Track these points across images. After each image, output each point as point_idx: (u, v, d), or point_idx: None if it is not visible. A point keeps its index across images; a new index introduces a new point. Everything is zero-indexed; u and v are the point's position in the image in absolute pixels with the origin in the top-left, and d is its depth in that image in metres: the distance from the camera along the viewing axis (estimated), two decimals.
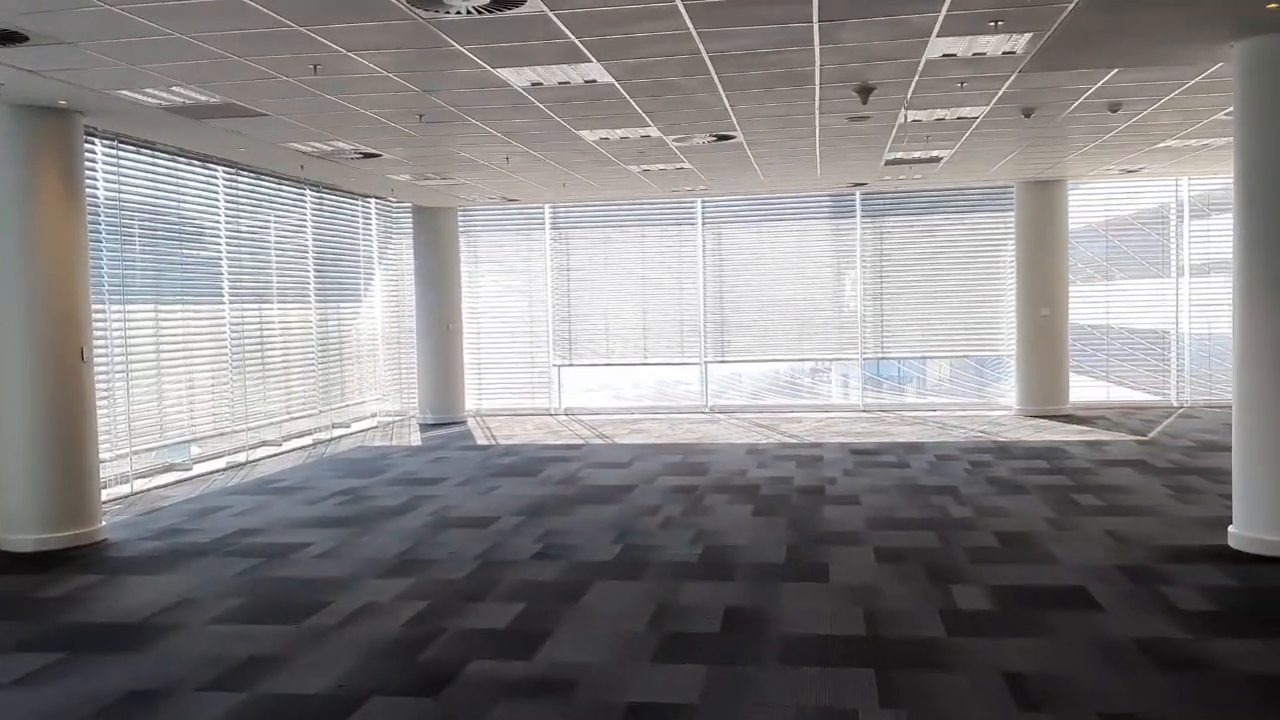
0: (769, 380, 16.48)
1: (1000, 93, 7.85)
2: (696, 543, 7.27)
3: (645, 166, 11.13)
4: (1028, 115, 8.61)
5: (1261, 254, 6.45)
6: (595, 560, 6.88)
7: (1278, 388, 6.38)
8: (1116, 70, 7.25)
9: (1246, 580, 6.02)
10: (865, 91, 7.54)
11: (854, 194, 14.91)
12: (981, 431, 12.69)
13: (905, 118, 8.10)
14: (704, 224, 15.33)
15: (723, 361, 15.54)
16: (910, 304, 15.12)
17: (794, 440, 12.36)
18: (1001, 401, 14.97)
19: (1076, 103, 8.31)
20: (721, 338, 15.43)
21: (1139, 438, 11.81)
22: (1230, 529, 6.74)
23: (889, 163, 11.45)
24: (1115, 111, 8.57)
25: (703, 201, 15.19)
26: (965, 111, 8.52)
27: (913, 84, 7.48)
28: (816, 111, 8.40)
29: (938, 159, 11.31)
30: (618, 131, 8.96)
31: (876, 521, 7.82)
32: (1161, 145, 10.71)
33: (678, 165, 11.15)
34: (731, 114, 8.37)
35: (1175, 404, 14.53)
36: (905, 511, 8.17)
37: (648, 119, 8.43)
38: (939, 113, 8.54)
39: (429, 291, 15.05)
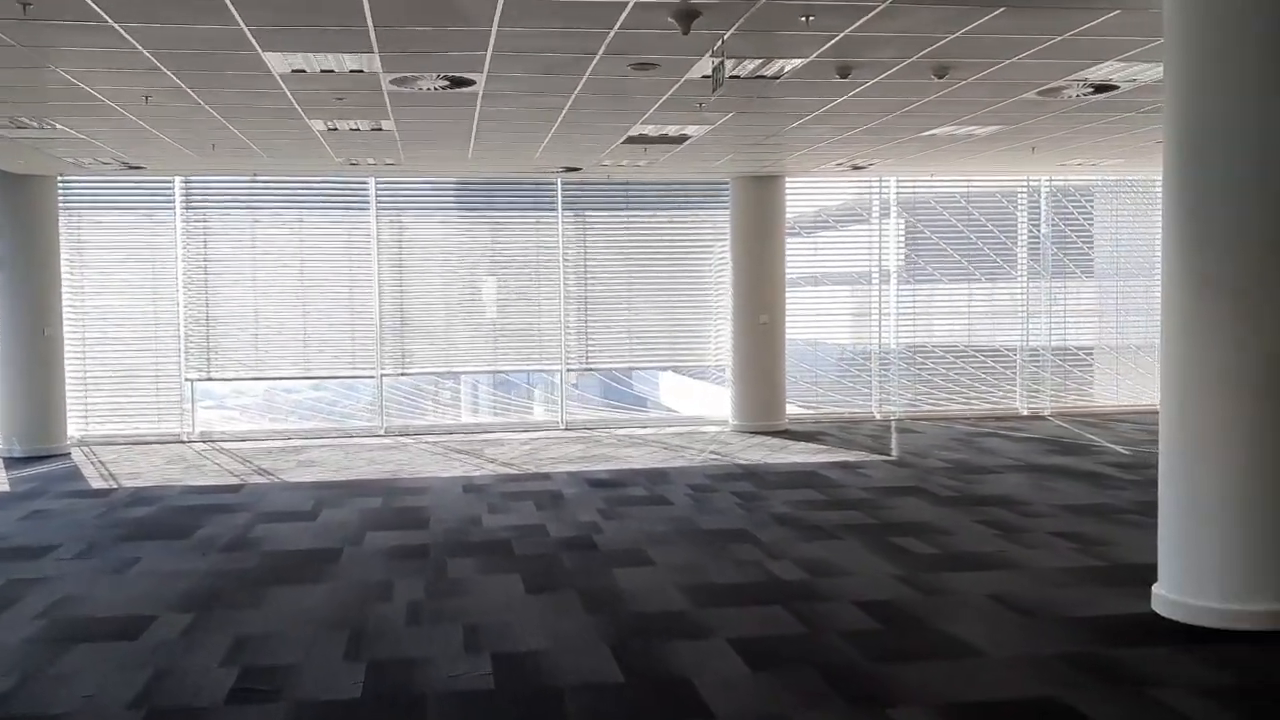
0: (452, 394, 14.19)
1: (834, 41, 6.18)
2: (475, 650, 4.99)
3: (335, 123, 8.60)
4: (844, 76, 7.02)
5: (1198, 253, 5.11)
6: (333, 698, 4.45)
7: (1221, 417, 5.06)
8: (983, 19, 5.76)
9: (1239, 668, 4.62)
10: (687, 18, 5.59)
11: (555, 182, 12.98)
12: (714, 453, 11.16)
13: (719, 65, 6.25)
14: (379, 210, 12.82)
15: (403, 374, 13.08)
16: (618, 309, 13.40)
17: (513, 470, 10.22)
18: (712, 415, 13.58)
19: (903, 63, 6.81)
20: (401, 346, 12.97)
21: (884, 457, 10.71)
22: (1157, 591, 5.38)
23: (630, 140, 9.59)
24: (941, 78, 7.16)
25: (377, 182, 12.68)
26: (784, 64, 6.79)
27: (746, 15, 5.64)
28: (601, 51, 6.36)
29: (683, 139, 9.59)
30: (325, 59, 6.46)
31: (696, 594, 5.88)
32: (930, 133, 9.58)
33: (376, 125, 8.71)
34: (490, 44, 6.16)
35: (878, 415, 13.77)
36: (719, 574, 6.30)
37: (373, 39, 6.02)
38: (752, 64, 6.75)
39: (15, 285, 11.50)
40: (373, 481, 9.71)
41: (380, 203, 12.80)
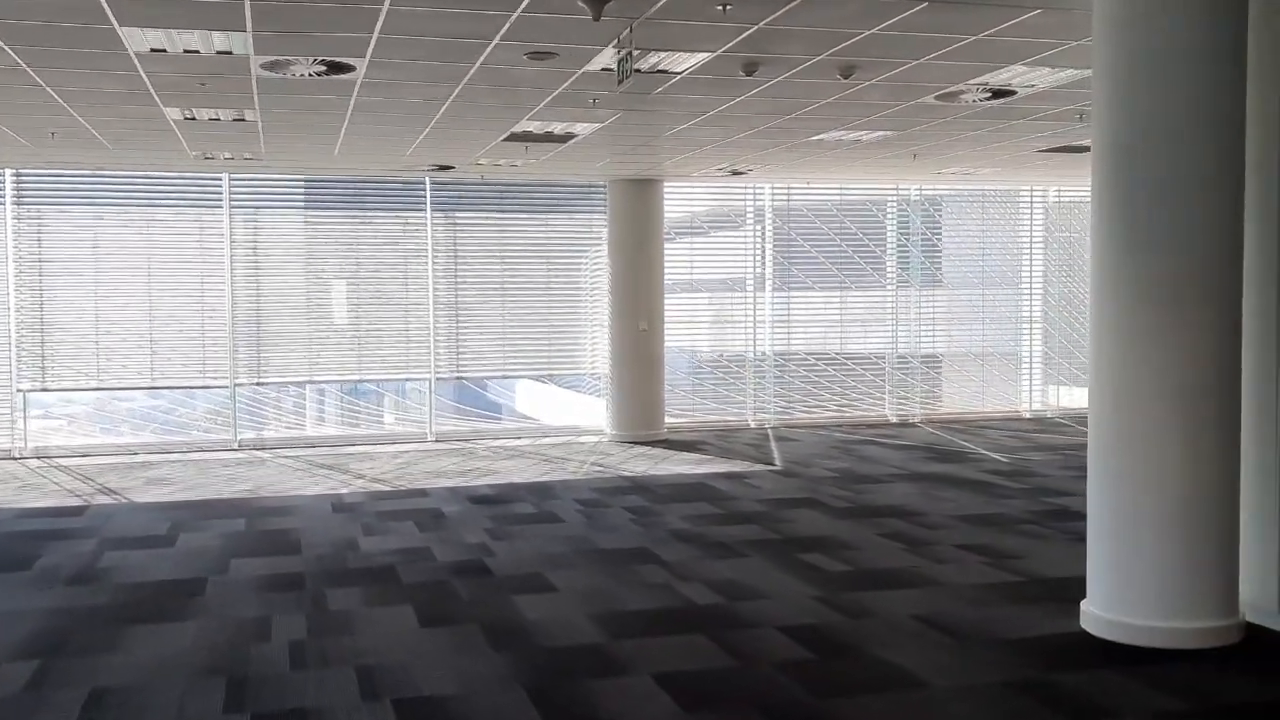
0: (315, 405, 13.42)
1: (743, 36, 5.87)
2: (374, 697, 4.46)
3: (192, 111, 7.88)
4: (750, 73, 6.72)
5: (1129, 258, 4.95)
6: None
7: (1156, 423, 4.91)
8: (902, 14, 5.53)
9: (1188, 690, 4.44)
10: (600, 1, 5.18)
11: (424, 182, 12.39)
12: (596, 465, 10.76)
13: (626, 56, 5.86)
14: (232, 208, 11.99)
15: (260, 384, 12.26)
16: (490, 315, 12.86)
17: (385, 487, 9.60)
18: (587, 425, 13.18)
19: (811, 60, 6.54)
20: (258, 354, 12.16)
21: (769, 467, 10.50)
22: (1087, 608, 5.20)
23: (512, 137, 9.11)
24: (846, 78, 6.93)
25: (231, 178, 11.86)
26: (689, 59, 6.43)
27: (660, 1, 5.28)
28: (497, 37, 5.89)
29: (568, 138, 9.17)
30: (190, 37, 5.81)
31: (609, 623, 5.47)
32: (819, 138, 9.39)
33: (239, 115, 8.03)
34: (377, 25, 5.63)
35: (752, 424, 13.59)
36: (629, 599, 5.90)
37: (248, 15, 5.42)
38: (656, 57, 6.38)
39: None
40: (232, 501, 8.97)
41: (235, 201, 11.98)
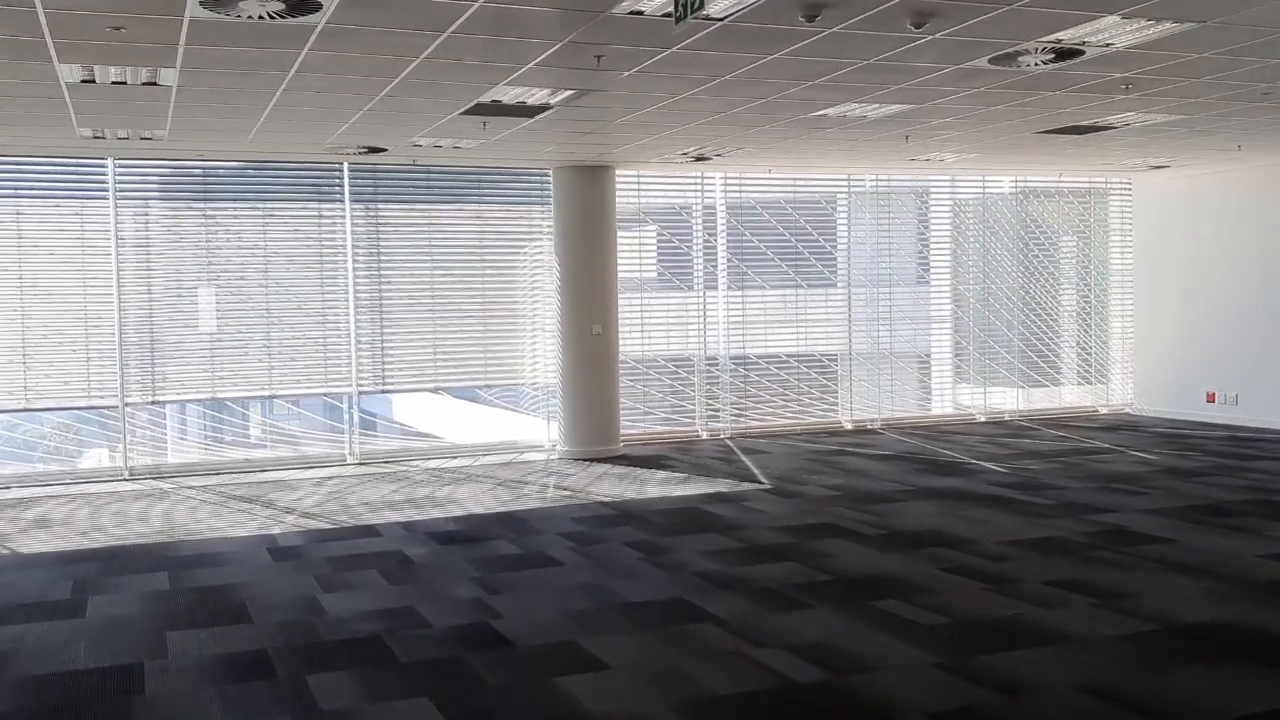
0: (212, 423, 11.72)
1: None
2: None
3: (93, 70, 6.31)
4: (811, 19, 5.53)
5: None
6: None
7: None
8: None
9: None
10: None
11: (341, 167, 10.87)
12: (560, 488, 9.45)
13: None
14: (119, 199, 10.28)
15: (155, 402, 10.56)
16: (419, 320, 11.41)
17: (323, 523, 8.11)
18: (529, 440, 11.83)
19: (882, 5, 5.40)
20: (151, 369, 10.46)
21: (756, 485, 9.35)
22: None
23: (477, 108, 7.74)
24: (918, 28, 5.80)
25: (117, 163, 10.16)
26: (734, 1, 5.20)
27: None
28: None
29: (542, 109, 7.85)
30: None
31: (695, 713, 4.20)
32: (821, 113, 8.27)
33: (152, 75, 6.49)
34: None
35: (704, 434, 12.45)
36: (706, 677, 4.64)
37: None
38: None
39: None
40: (142, 547, 7.37)
41: (122, 190, 10.27)
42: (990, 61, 6.71)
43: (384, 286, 11.21)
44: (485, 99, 7.43)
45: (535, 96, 7.40)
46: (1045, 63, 6.73)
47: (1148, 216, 13.81)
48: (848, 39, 6.01)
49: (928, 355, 13.85)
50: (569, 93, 7.32)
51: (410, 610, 5.72)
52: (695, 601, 5.75)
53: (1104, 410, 14.18)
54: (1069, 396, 14.42)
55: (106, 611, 5.80)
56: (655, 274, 12.45)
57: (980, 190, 13.67)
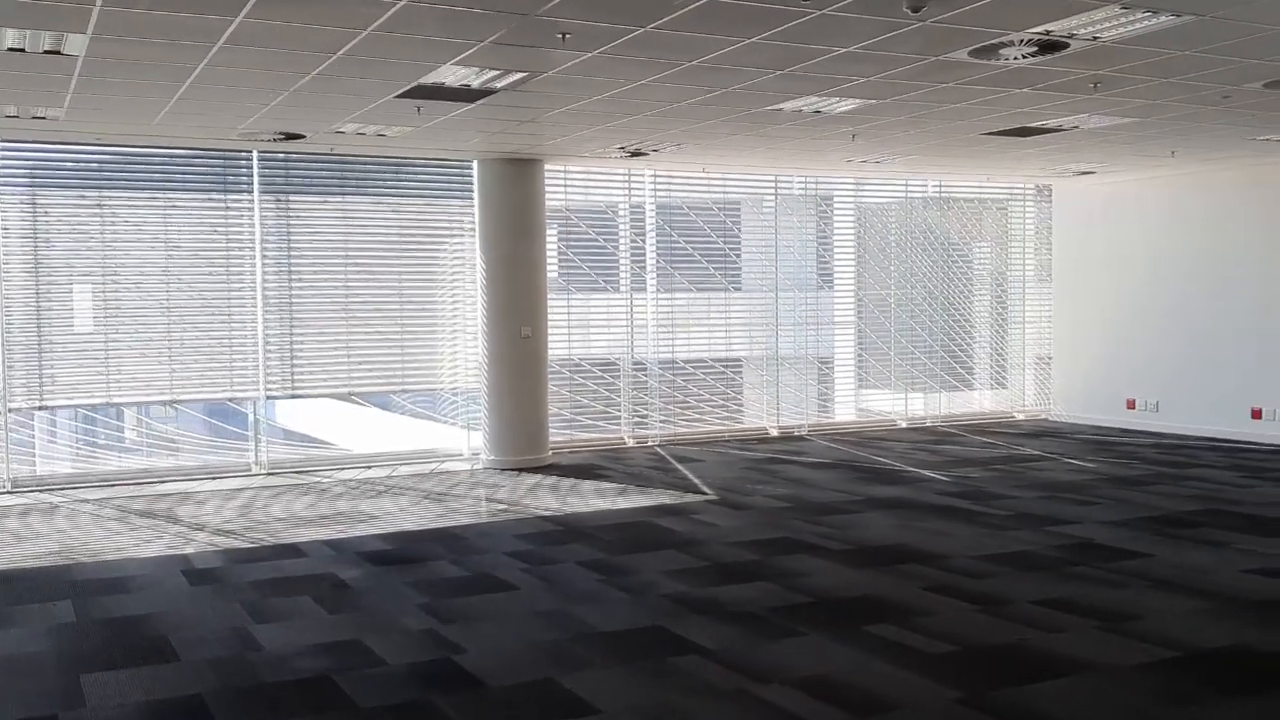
0: (106, 430, 10.81)
1: None
2: None
3: None
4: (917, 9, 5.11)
5: None
6: None
7: None
8: None
9: None
10: None
11: (251, 155, 10.11)
12: (493, 500, 8.89)
13: None
14: (0, 187, 9.37)
15: (42, 408, 9.66)
16: (333, 320, 10.70)
17: (240, 542, 7.40)
18: (447, 449, 11.22)
19: None
20: (39, 370, 9.56)
21: (702, 496, 8.92)
22: None
23: (418, 90, 7.14)
24: (916, 11, 5.42)
25: (1, 145, 9.25)
26: None
27: None
28: None
29: (485, 94, 7.29)
30: None
31: None
32: (777, 107, 7.88)
33: (56, 44, 5.75)
34: None
35: (630, 440, 12.00)
36: (700, 714, 4.16)
37: None
38: None
39: None
40: (38, 571, 6.59)
41: (5, 176, 9.37)
42: (970, 54, 6.39)
43: (295, 284, 10.48)
44: (428, 80, 6.84)
45: (482, 79, 6.83)
46: (1026, 56, 6.43)
47: (1069, 222, 13.81)
48: (836, 23, 5.61)
49: (852, 360, 13.61)
50: (519, 75, 6.78)
51: (357, 644, 5.11)
52: (674, 629, 5.27)
53: (1021, 416, 14.14)
54: (987, 402, 14.35)
55: (8, 649, 5.06)
56: (582, 275, 11.93)
57: (903, 195, 13.49)
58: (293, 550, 7.13)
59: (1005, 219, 14.15)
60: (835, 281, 13.39)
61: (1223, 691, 4.36)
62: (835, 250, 13.32)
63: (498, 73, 6.69)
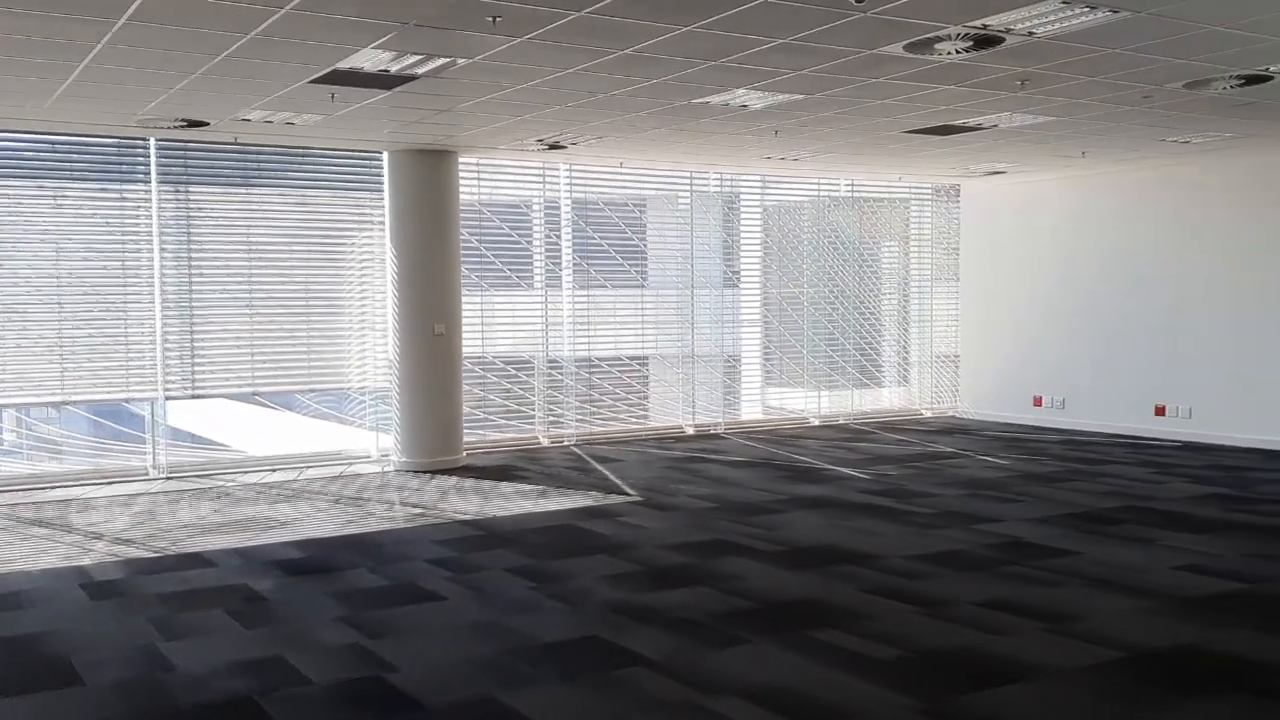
0: None
1: None
2: None
3: None
4: None
5: None
6: None
7: None
8: None
9: None
10: None
11: (148, 144, 9.61)
12: (411, 505, 8.56)
13: None
14: None
15: None
16: (236, 317, 10.24)
17: (142, 551, 6.96)
18: (354, 450, 10.84)
19: None
20: None
21: (625, 497, 8.74)
22: None
23: (334, 75, 6.80)
24: (860, 0, 5.29)
25: None
26: None
27: None
28: None
29: (401, 80, 6.98)
30: None
31: None
32: (704, 100, 7.72)
33: None
34: None
35: (544, 440, 11.77)
36: None
37: None
38: None
39: None
40: None
41: None
42: (906, 48, 6.30)
43: (195, 279, 9.99)
44: (346, 65, 6.51)
45: (402, 64, 6.53)
46: (960, 51, 6.37)
47: (977, 222, 13.95)
48: (777, 11, 5.46)
49: (759, 358, 13.54)
50: (442, 61, 6.49)
51: (279, 661, 4.79)
52: (615, 639, 5.06)
53: (928, 413, 14.26)
54: (895, 399, 14.43)
55: None
56: (495, 271, 11.63)
57: (816, 194, 13.47)
58: (200, 559, 6.73)
59: (908, 218, 14.23)
60: (745, 279, 13.29)
61: (1181, 694, 4.31)
62: (745, 248, 13.24)
63: (420, 58, 6.39)
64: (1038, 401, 13.25)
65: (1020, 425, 13.07)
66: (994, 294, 13.73)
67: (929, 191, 14.09)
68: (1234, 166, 11.10)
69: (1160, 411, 12.00)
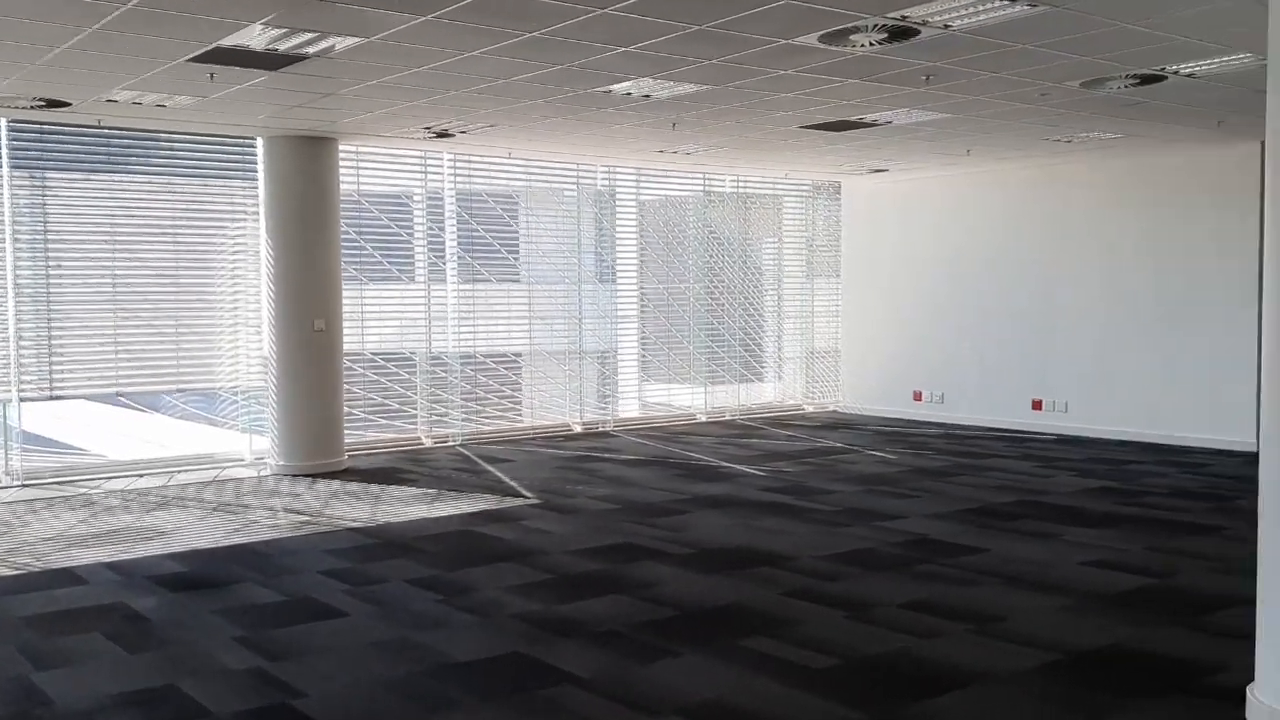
0: None
1: None
2: None
3: None
4: None
5: None
6: None
7: None
8: None
9: None
10: None
11: None
12: (294, 512, 8.10)
13: None
14: None
15: None
16: (98, 311, 9.57)
17: (2, 569, 6.37)
18: (226, 453, 10.27)
19: None
20: None
21: (523, 500, 8.44)
22: (1258, 698, 3.83)
23: (215, 53, 6.32)
24: None
25: None
26: None
27: None
28: None
29: (293, 59, 6.55)
30: None
31: None
32: (608, 89, 7.47)
33: None
34: None
35: (427, 441, 11.38)
36: None
37: None
38: None
39: None
40: None
41: None
42: (821, 39, 6.17)
43: (53, 271, 9.29)
44: (229, 42, 6.06)
45: (292, 43, 6.10)
46: (874, 43, 6.27)
47: (858, 219, 14.04)
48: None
49: (636, 355, 13.37)
50: (335, 40, 6.09)
51: (172, 691, 4.37)
52: (537, 655, 4.78)
53: (810, 408, 14.31)
54: (777, 394, 14.43)
55: None
56: (375, 264, 11.16)
57: (702, 189, 13.37)
58: (69, 576, 6.19)
59: (784, 215, 14.25)
60: (630, 273, 13.10)
61: (1124, 695, 4.26)
62: (621, 243, 13.04)
63: (312, 35, 5.98)
64: (918, 396, 13.40)
65: (901, 420, 13.20)
66: (875, 290, 13.85)
67: (808, 188, 14.10)
68: (1113, 166, 11.38)
69: (1037, 406, 12.25)
